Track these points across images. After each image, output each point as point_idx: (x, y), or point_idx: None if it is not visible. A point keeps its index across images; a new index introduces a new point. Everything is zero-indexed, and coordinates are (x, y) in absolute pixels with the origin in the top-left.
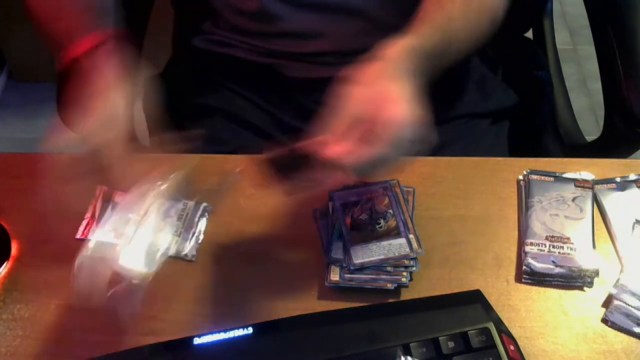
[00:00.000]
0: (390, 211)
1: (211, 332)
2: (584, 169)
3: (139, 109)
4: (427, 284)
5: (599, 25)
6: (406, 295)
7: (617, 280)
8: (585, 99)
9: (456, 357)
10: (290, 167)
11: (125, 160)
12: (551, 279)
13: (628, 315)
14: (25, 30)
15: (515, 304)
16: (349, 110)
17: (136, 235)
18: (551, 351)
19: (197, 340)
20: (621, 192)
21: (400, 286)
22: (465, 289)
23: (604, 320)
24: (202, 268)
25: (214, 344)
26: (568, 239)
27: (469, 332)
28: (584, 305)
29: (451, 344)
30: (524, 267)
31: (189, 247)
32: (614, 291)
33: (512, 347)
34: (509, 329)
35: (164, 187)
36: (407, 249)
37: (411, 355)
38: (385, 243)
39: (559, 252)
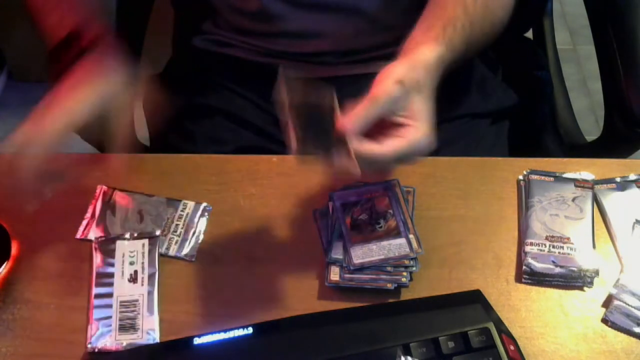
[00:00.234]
0: (390, 211)
1: (211, 332)
2: (584, 169)
3: (139, 109)
4: (427, 284)
5: (599, 25)
6: (406, 295)
7: (617, 280)
8: (585, 99)
9: (456, 357)
10: (312, 120)
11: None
12: (551, 279)
13: (628, 315)
14: (25, 30)
15: (515, 304)
16: (381, 102)
17: None
18: (551, 351)
19: (197, 340)
20: (621, 192)
21: (400, 286)
22: (465, 289)
23: (604, 320)
24: (202, 268)
25: (214, 344)
26: (568, 239)
27: (469, 332)
28: (584, 305)
29: (451, 344)
30: (524, 267)
31: (189, 247)
32: (614, 291)
33: (512, 347)
34: (509, 329)
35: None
36: (407, 249)
37: (411, 355)
38: (385, 243)
39: (559, 252)
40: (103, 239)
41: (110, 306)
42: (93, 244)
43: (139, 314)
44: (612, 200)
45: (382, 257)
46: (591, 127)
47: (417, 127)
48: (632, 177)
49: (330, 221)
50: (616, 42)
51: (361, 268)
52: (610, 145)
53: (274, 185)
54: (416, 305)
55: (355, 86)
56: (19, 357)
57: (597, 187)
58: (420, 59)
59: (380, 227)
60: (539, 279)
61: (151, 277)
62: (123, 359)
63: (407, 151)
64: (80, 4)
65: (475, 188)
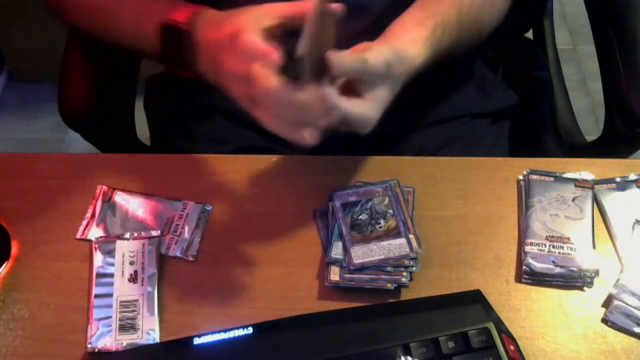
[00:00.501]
0: (390, 211)
1: (211, 332)
2: (584, 169)
3: (140, 109)
4: (427, 284)
5: (599, 25)
6: (406, 295)
7: (617, 280)
8: (585, 99)
9: (456, 357)
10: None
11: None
12: (551, 279)
13: (628, 315)
14: (25, 30)
15: (515, 304)
16: (368, 67)
17: None
18: (551, 351)
19: (197, 340)
20: (621, 192)
21: (400, 286)
22: (465, 289)
23: (604, 320)
24: (202, 268)
25: (214, 344)
26: (568, 239)
27: (469, 332)
28: (584, 305)
29: (451, 344)
30: (524, 267)
31: (189, 247)
32: (614, 291)
33: (512, 347)
34: (509, 329)
35: None
36: (407, 249)
37: (411, 355)
38: (385, 243)
39: (559, 252)
40: (103, 239)
41: (110, 306)
42: (93, 244)
43: (139, 314)
44: (612, 200)
45: (382, 257)
46: (591, 127)
47: (367, 104)
48: (632, 177)
49: (330, 221)
50: (616, 42)
51: (361, 268)
52: (610, 145)
53: (274, 185)
54: (416, 305)
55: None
56: (19, 357)
57: (597, 187)
58: (408, 57)
59: (380, 227)
60: (539, 279)
61: (151, 277)
62: (123, 359)
63: (345, 114)
64: None
65: (475, 188)
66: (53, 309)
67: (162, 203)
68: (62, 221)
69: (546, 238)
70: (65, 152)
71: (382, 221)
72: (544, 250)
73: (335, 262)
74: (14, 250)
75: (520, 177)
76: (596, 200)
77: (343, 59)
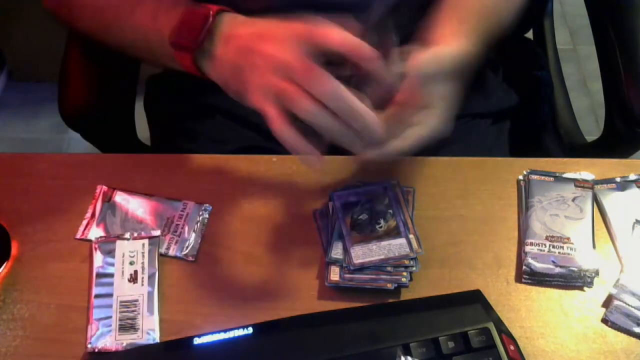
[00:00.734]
0: (390, 211)
1: (211, 332)
2: (584, 169)
3: (141, 108)
4: (427, 284)
5: (599, 25)
6: (406, 295)
7: (617, 280)
8: (585, 99)
9: (456, 357)
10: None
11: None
12: (551, 279)
13: (628, 315)
14: (25, 30)
15: (515, 304)
16: (441, 60)
17: None
18: (551, 351)
19: (197, 340)
20: (621, 192)
21: (400, 286)
22: (465, 289)
23: (604, 320)
24: (202, 268)
25: (214, 344)
26: (568, 239)
27: (469, 332)
28: (584, 305)
29: (451, 344)
30: (524, 267)
31: (189, 247)
32: (614, 291)
33: (512, 347)
34: (509, 329)
35: None
36: (407, 249)
37: (411, 355)
38: (385, 243)
39: (559, 252)
40: (103, 239)
41: (110, 306)
42: (93, 244)
43: (139, 314)
44: (612, 200)
45: (382, 257)
46: (591, 127)
47: (437, 109)
48: (632, 177)
49: (330, 221)
50: (616, 42)
51: (361, 268)
52: (611, 145)
53: (274, 185)
54: (416, 305)
55: (358, 86)
56: (19, 357)
57: (597, 187)
58: (458, 53)
59: (380, 227)
60: (539, 279)
61: (151, 277)
62: (123, 359)
63: (427, 138)
64: None
65: (475, 188)
66: (53, 309)
67: (162, 203)
68: (62, 221)
69: (546, 238)
70: (65, 152)
71: (382, 221)
72: (544, 250)
73: (335, 262)
74: (14, 250)
75: (520, 177)
76: (596, 200)
77: (420, 55)
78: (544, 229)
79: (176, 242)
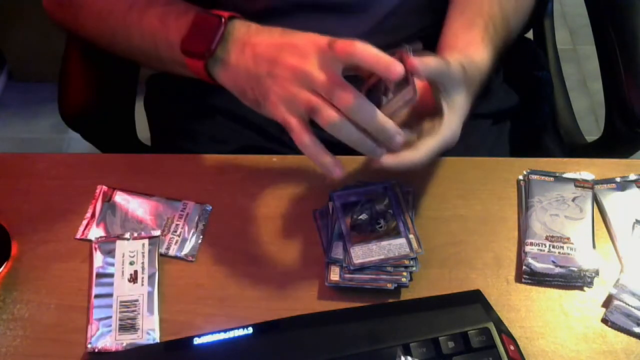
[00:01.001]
0: (390, 211)
1: (211, 332)
2: (584, 169)
3: (141, 108)
4: (427, 284)
5: (599, 25)
6: (406, 295)
7: (617, 280)
8: (585, 99)
9: (456, 357)
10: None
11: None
12: (551, 279)
13: (628, 315)
14: (25, 30)
15: (515, 304)
16: (449, 68)
17: None
18: (551, 351)
19: (197, 340)
20: (621, 192)
21: (400, 286)
22: (465, 289)
23: (604, 320)
24: (202, 268)
25: (214, 344)
26: (568, 239)
27: (469, 332)
28: (584, 305)
29: (451, 344)
30: (524, 267)
31: (189, 247)
32: (614, 291)
33: (512, 347)
34: (509, 329)
35: None
36: (407, 249)
37: (411, 355)
38: (385, 243)
39: (559, 252)
40: (103, 239)
41: (110, 306)
42: (93, 244)
43: (139, 314)
44: (612, 200)
45: (382, 257)
46: (591, 127)
47: (449, 120)
48: (632, 177)
49: (330, 221)
50: (617, 42)
51: (361, 268)
52: (610, 145)
53: (274, 185)
54: (416, 305)
55: (357, 86)
56: (19, 357)
57: (597, 187)
58: (476, 60)
59: (380, 227)
60: (539, 279)
61: (151, 277)
62: (123, 359)
63: (438, 149)
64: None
65: (475, 188)
66: (53, 309)
67: (162, 203)
68: (62, 221)
69: (546, 238)
70: (65, 152)
71: (382, 221)
72: (544, 250)
73: (335, 262)
74: (14, 250)
75: (520, 177)
76: (596, 200)
77: (428, 60)
78: (544, 229)
79: (176, 242)
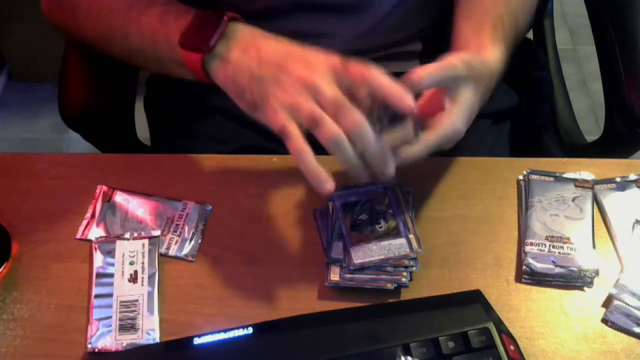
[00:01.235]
0: (390, 211)
1: (211, 332)
2: (584, 169)
3: (141, 108)
4: (427, 284)
5: (599, 25)
6: (406, 295)
7: (617, 280)
8: (585, 99)
9: (456, 357)
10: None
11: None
12: (551, 279)
13: (628, 315)
14: (25, 30)
15: (515, 304)
16: (453, 67)
17: None
18: (551, 351)
19: (197, 340)
20: (621, 192)
21: (400, 286)
22: (465, 289)
23: (604, 320)
24: (202, 268)
25: (214, 344)
26: (568, 239)
27: (469, 332)
28: (584, 305)
29: (451, 344)
30: (524, 267)
31: (189, 247)
32: (614, 291)
33: (512, 347)
34: (509, 329)
35: None
36: (407, 249)
37: (411, 355)
38: (385, 243)
39: (559, 252)
40: (103, 239)
41: (110, 306)
42: (93, 244)
43: (139, 314)
44: (612, 200)
45: (382, 257)
46: (591, 127)
47: (450, 114)
48: (632, 177)
49: (330, 221)
50: (617, 42)
51: (361, 268)
52: (610, 145)
53: (274, 185)
54: (416, 305)
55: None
56: (19, 357)
57: (597, 187)
58: (485, 59)
59: (380, 227)
60: (539, 279)
61: (151, 277)
62: (123, 359)
63: (438, 144)
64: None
65: (475, 188)
66: (53, 309)
67: (162, 203)
68: (62, 221)
69: (546, 238)
70: (65, 152)
71: (382, 221)
72: (544, 250)
73: (335, 262)
74: (14, 250)
75: (520, 177)
76: (596, 200)
77: (424, 70)
78: (544, 229)
79: (176, 242)
